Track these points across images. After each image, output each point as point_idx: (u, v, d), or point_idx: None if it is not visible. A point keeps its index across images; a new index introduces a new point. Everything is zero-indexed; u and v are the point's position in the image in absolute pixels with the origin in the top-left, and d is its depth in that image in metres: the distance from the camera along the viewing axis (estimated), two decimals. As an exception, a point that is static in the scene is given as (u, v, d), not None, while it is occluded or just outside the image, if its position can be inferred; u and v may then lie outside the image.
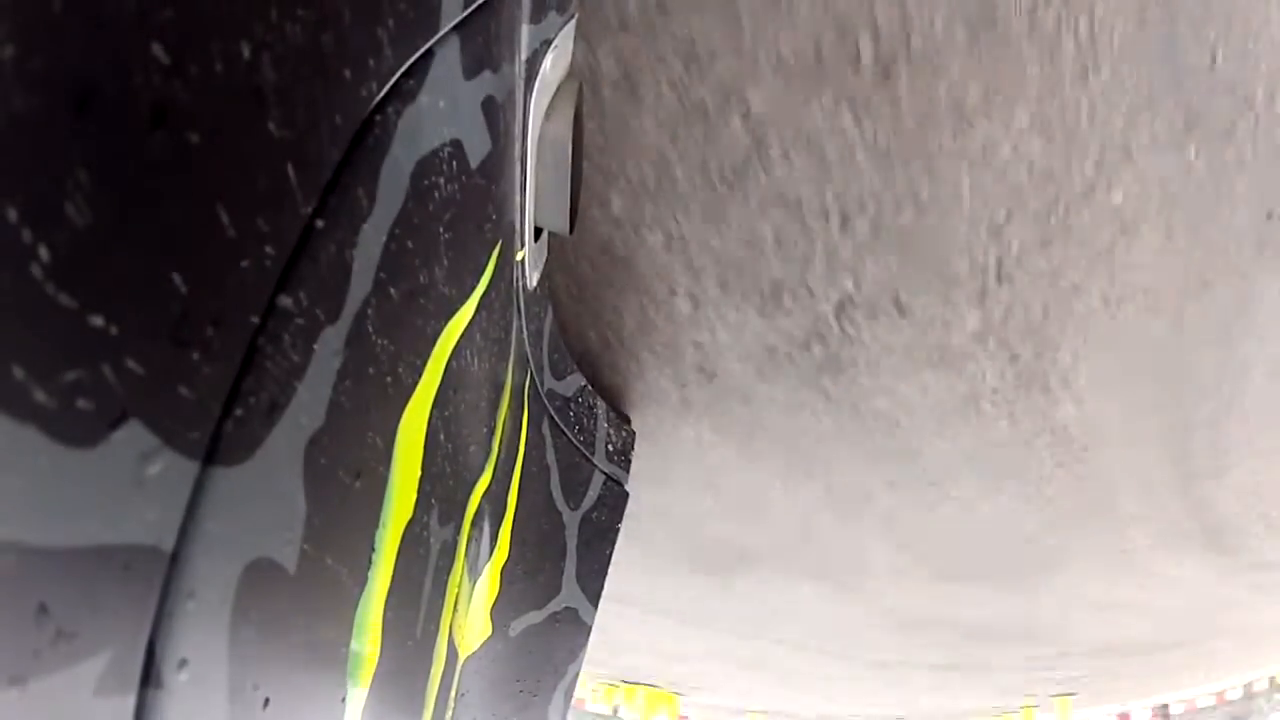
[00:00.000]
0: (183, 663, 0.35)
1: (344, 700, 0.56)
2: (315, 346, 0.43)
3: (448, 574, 0.79)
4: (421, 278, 0.57)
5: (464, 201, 0.62)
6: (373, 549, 0.57)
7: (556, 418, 1.47)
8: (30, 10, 0.25)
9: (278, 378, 0.40)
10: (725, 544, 2.93)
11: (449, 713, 0.98)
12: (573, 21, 0.84)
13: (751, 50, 1.14)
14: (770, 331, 1.70)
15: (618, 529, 1.74)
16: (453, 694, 1.00)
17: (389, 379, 0.55)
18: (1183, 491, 2.54)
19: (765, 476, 2.37)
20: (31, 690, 0.28)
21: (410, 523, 0.64)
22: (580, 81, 0.88)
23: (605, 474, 1.72)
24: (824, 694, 5.90)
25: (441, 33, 0.52)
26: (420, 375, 0.61)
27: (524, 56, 0.72)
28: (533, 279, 1.01)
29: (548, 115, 0.83)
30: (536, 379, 1.30)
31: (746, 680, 5.59)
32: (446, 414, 0.69)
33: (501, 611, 1.28)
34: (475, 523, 0.91)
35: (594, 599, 1.65)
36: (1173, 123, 1.27)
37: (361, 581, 0.56)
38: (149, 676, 0.34)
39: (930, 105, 1.22)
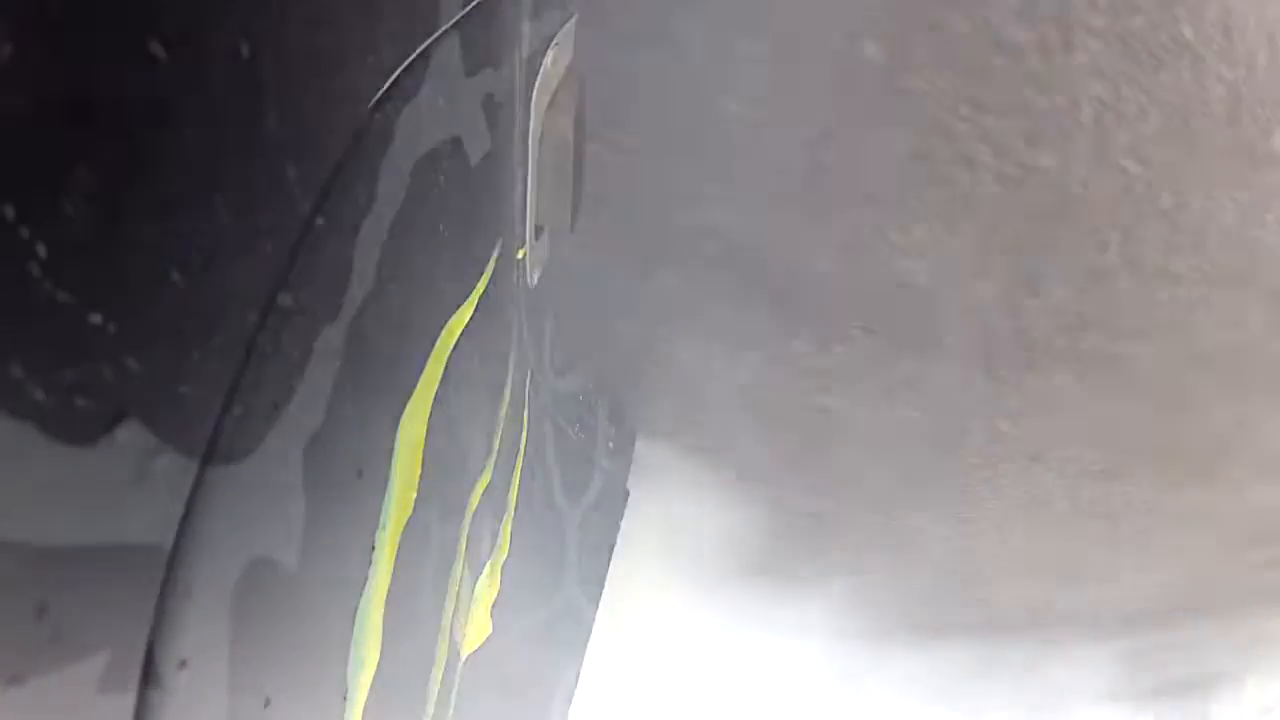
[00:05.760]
0: (182, 663, 0.35)
1: (345, 699, 0.56)
2: (315, 344, 0.43)
3: (448, 572, 0.79)
4: (421, 275, 0.57)
5: (464, 199, 0.61)
6: (373, 547, 0.57)
7: (558, 415, 1.47)
8: (30, 8, 0.24)
9: (277, 376, 0.40)
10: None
11: (450, 711, 0.98)
12: (574, 19, 0.84)
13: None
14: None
15: (618, 527, 1.74)
16: (454, 692, 0.99)
17: (389, 377, 0.55)
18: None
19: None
20: (31, 689, 0.27)
21: (411, 521, 0.63)
22: (582, 78, 0.88)
23: (606, 472, 1.72)
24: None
25: (441, 30, 0.52)
26: (421, 373, 0.61)
27: (525, 54, 0.72)
28: (534, 277, 1.01)
29: (549, 112, 0.83)
30: (538, 376, 1.30)
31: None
32: (447, 412, 0.68)
33: (502, 610, 1.28)
34: (476, 521, 0.91)
35: (594, 597, 1.65)
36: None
37: (362, 580, 0.56)
38: (148, 676, 0.33)
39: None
